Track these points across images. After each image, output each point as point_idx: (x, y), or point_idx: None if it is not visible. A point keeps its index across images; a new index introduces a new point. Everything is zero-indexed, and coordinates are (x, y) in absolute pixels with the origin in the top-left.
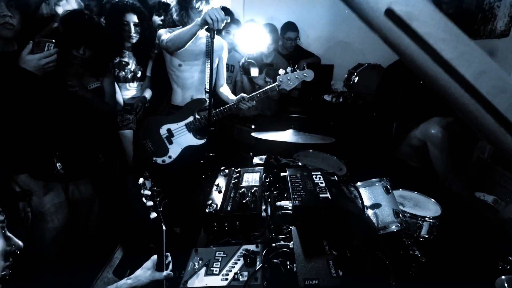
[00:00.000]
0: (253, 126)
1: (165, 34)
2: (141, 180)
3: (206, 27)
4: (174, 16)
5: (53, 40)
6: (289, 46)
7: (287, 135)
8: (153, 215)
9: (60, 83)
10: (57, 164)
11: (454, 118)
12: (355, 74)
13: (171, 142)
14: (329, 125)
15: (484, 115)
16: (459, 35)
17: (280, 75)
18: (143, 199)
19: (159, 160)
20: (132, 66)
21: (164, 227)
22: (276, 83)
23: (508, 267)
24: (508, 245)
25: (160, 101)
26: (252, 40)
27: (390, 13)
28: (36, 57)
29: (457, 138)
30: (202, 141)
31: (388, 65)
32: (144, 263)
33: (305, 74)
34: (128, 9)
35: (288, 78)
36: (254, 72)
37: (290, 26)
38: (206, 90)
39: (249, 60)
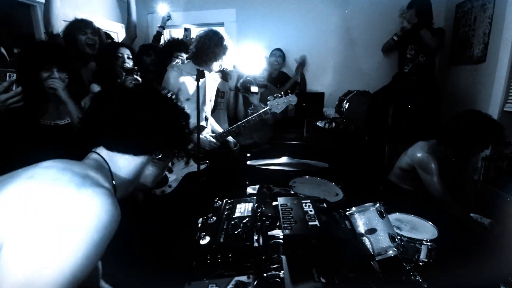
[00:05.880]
0: (248, 154)
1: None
2: None
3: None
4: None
5: (14, 70)
6: (274, 63)
7: (282, 162)
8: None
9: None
10: None
11: (436, 140)
12: (346, 100)
13: (171, 171)
14: (323, 150)
15: None
16: None
17: (270, 100)
18: None
19: (157, 192)
20: None
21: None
22: (268, 107)
23: None
24: (508, 266)
25: None
26: (248, 63)
27: None
28: None
29: (444, 160)
30: (203, 166)
31: (374, 91)
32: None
33: (290, 99)
34: (121, 45)
35: (277, 103)
36: (254, 88)
37: (276, 49)
38: (206, 117)
39: (247, 78)
